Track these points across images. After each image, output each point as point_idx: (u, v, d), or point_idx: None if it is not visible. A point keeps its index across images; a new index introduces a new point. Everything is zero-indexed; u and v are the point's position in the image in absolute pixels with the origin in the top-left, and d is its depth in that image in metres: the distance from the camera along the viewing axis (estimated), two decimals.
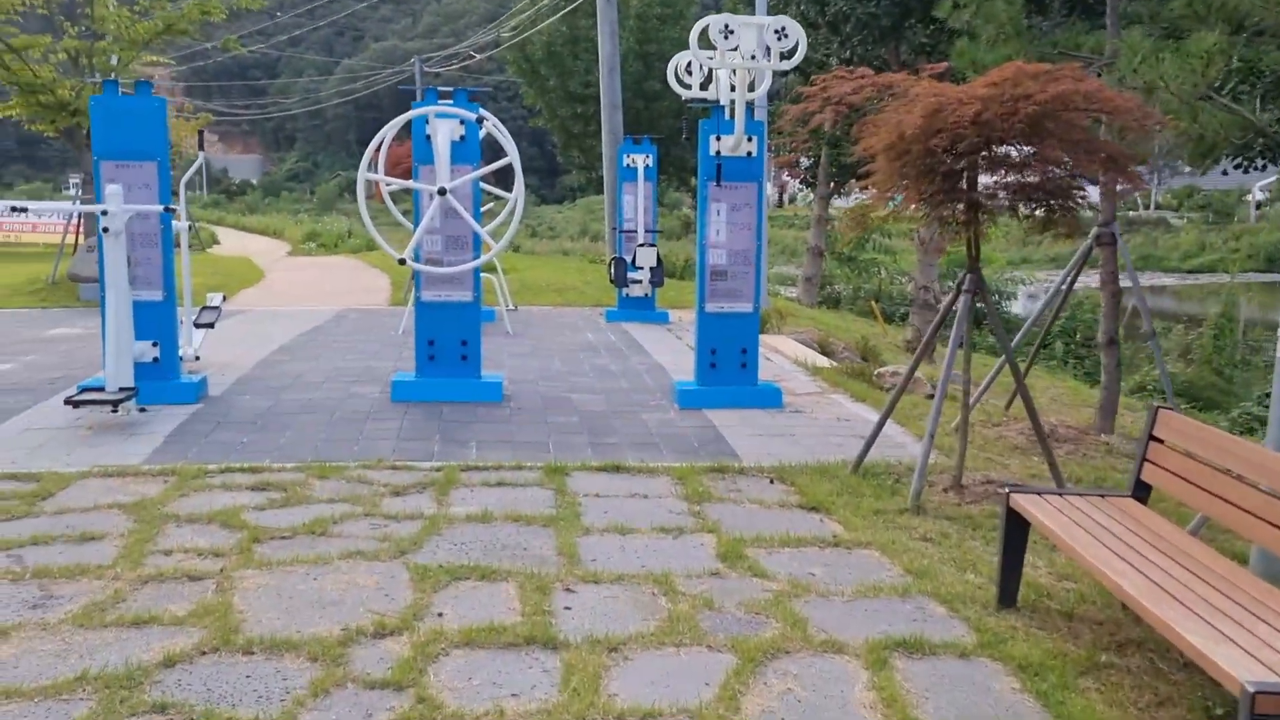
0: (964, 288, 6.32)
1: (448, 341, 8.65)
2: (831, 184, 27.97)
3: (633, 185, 14.17)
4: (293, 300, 17.10)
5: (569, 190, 76.39)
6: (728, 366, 8.75)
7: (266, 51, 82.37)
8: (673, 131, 26.84)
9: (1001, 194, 5.99)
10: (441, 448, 7.15)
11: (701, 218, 8.67)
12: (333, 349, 11.34)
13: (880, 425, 6.80)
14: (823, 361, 11.27)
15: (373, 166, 8.15)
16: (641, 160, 14.03)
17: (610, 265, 14.48)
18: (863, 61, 17.08)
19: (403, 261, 7.94)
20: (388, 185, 9.24)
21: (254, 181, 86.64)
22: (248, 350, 11.05)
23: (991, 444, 7.91)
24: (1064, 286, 8.71)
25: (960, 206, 6.00)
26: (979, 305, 6.48)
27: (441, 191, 8.07)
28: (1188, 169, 74.18)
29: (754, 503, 6.11)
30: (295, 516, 5.54)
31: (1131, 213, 66.84)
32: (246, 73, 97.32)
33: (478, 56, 49.03)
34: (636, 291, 14.25)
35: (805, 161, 28.58)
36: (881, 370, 10.26)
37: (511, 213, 8.62)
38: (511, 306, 15.76)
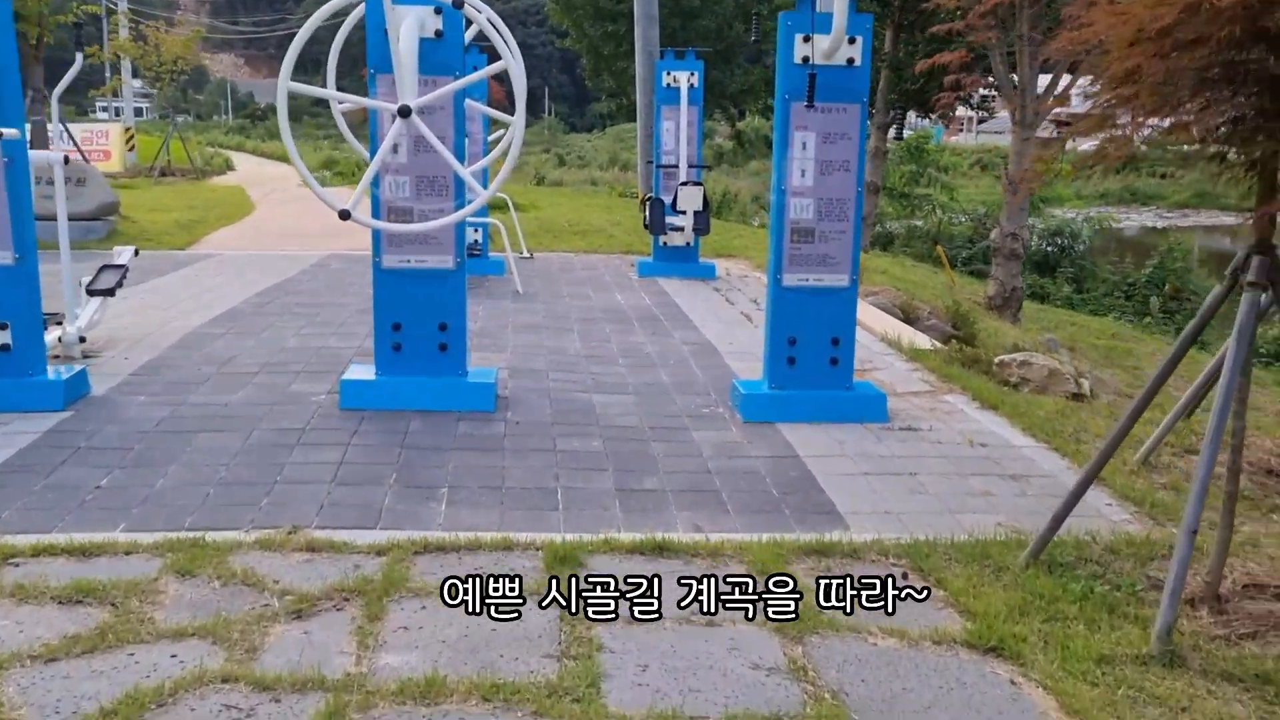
0: (1250, 275, 3.76)
1: (419, 326, 6.19)
2: (891, 112, 25.08)
3: (673, 109, 11.54)
4: (273, 242, 14.65)
5: (599, 118, 73.44)
6: (812, 363, 6.26)
7: None
8: (716, 51, 24.03)
9: None
10: (395, 498, 4.74)
11: (780, 152, 6.10)
12: (290, 316, 8.90)
13: (1079, 493, 4.30)
14: (920, 340, 8.73)
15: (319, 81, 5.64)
16: (685, 79, 11.38)
17: (644, 206, 11.91)
18: None
19: (345, 215, 5.45)
20: (340, 104, 6.71)
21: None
22: (179, 316, 8.64)
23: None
24: None
25: None
26: (1271, 305, 3.90)
27: (404, 112, 5.55)
28: None
29: (890, 635, 3.66)
30: (91, 690, 3.13)
31: (1187, 146, 62.83)
32: None
33: None
34: (677, 240, 11.71)
35: None
36: (1005, 359, 7.73)
37: (508, 147, 6.12)
38: (526, 254, 13.26)
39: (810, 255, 6.17)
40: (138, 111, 47.30)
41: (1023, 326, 15.39)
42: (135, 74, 31.06)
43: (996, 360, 7.84)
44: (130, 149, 27.62)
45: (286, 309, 9.23)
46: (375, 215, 5.99)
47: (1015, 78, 14.66)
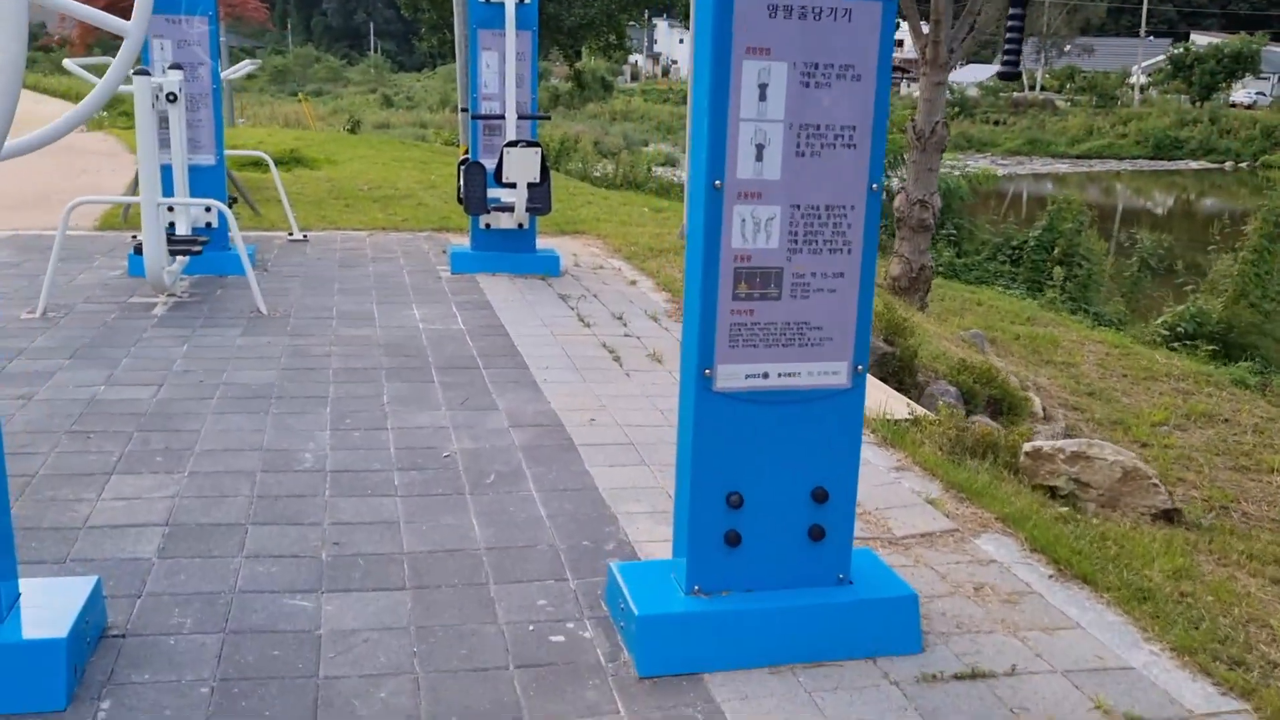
0: None
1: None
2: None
3: (495, 35, 8.03)
4: None
5: (428, 57, 68.41)
6: (773, 539, 3.03)
7: None
8: None
9: None
10: None
11: (711, 117, 2.79)
12: None
13: None
14: (892, 402, 5.59)
15: None
16: None
17: (459, 173, 8.42)
18: None
19: None
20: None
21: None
22: None
23: None
24: None
25: None
26: None
27: None
28: (1068, 48, 70.87)
29: None
30: None
31: (1016, 94, 62.92)
32: None
33: None
34: (504, 222, 8.28)
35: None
36: (1042, 449, 4.70)
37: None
38: (296, 235, 9.58)
39: (772, 327, 2.92)
40: None
41: (929, 312, 12.70)
42: None
43: (1026, 450, 4.79)
44: None
45: None
46: None
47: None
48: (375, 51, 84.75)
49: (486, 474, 4.26)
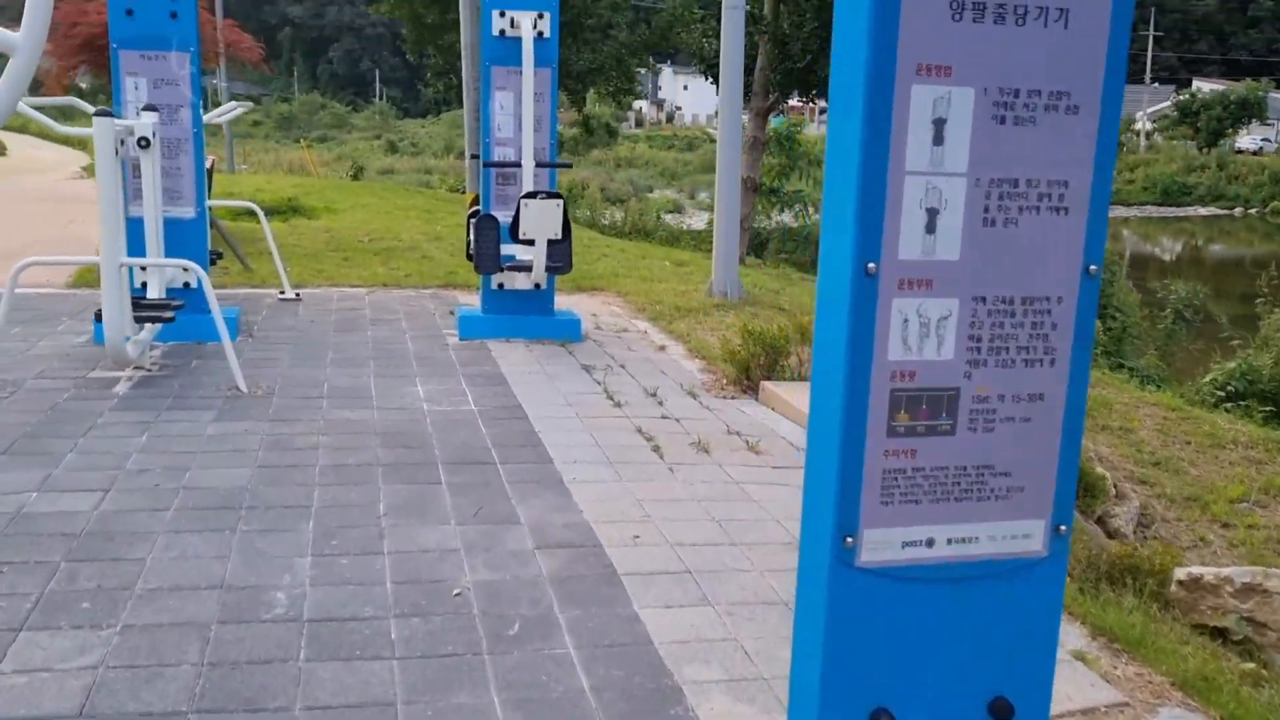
0: None
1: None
2: (771, 95, 21.21)
3: (510, 74, 7.19)
4: None
5: (432, 104, 68.21)
6: None
7: None
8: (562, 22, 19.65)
9: None
10: None
11: (853, 154, 1.88)
12: None
13: None
14: None
15: None
16: (529, 22, 7.03)
17: (470, 226, 7.55)
18: None
19: None
20: None
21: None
22: None
23: None
24: None
25: None
26: None
27: None
28: None
29: None
30: None
31: None
32: None
33: None
34: (520, 282, 7.38)
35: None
36: (1199, 577, 3.76)
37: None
38: (287, 294, 8.70)
39: (941, 473, 2.00)
40: None
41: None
42: None
43: (1180, 579, 3.84)
44: None
45: None
46: None
47: None
48: (381, 98, 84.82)
49: (509, 621, 3.31)
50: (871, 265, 1.89)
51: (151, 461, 4.60)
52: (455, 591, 3.49)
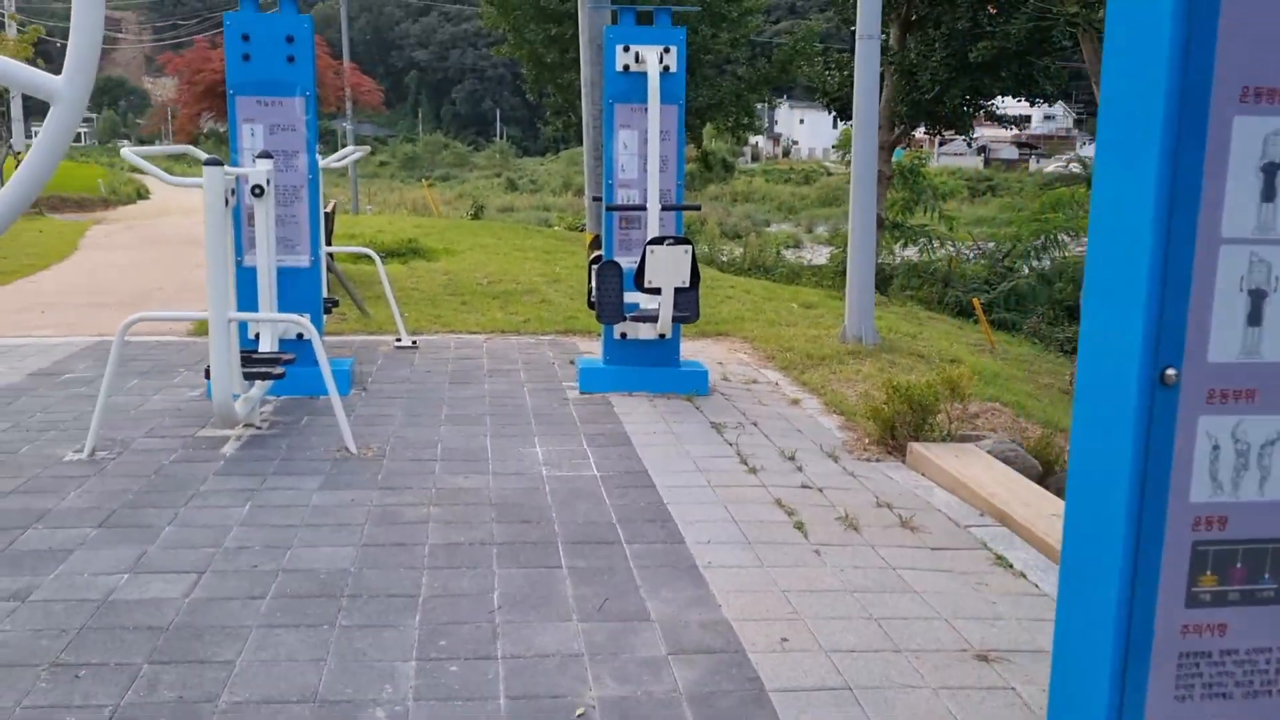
0: None
1: None
2: (896, 128, 20.51)
3: (634, 111, 6.79)
4: (29, 323, 9.70)
5: (550, 142, 69.12)
6: None
7: None
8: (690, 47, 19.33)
9: None
10: None
11: (1145, 213, 1.34)
12: None
13: None
14: None
15: None
16: (655, 57, 6.63)
17: (591, 271, 7.15)
18: None
19: None
20: None
21: None
22: None
23: None
24: None
25: None
26: None
27: None
28: None
29: None
30: None
31: None
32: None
33: None
34: (644, 332, 6.94)
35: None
36: None
37: None
38: (404, 342, 8.44)
39: (1260, 657, 1.42)
40: (77, 137, 41.84)
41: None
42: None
43: None
44: None
45: None
46: None
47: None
48: (501, 137, 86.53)
49: None
50: (1171, 372, 1.34)
51: (251, 537, 4.26)
52: (579, 712, 3.00)
